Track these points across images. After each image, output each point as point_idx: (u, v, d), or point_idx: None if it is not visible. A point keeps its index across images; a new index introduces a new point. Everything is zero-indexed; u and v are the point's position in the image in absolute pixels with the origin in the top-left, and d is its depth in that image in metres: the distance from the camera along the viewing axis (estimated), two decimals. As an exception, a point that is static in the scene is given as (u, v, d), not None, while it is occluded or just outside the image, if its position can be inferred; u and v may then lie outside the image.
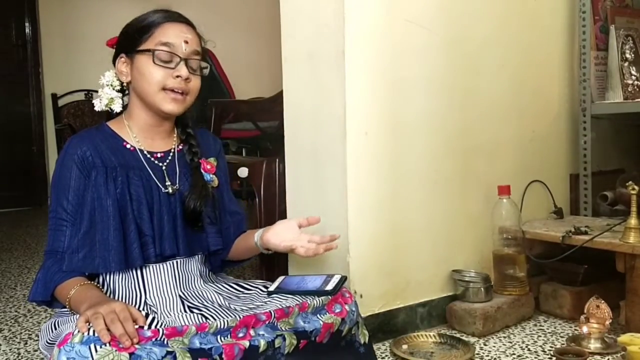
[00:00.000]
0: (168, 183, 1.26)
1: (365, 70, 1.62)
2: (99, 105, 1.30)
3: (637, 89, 2.06)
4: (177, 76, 1.22)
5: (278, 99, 2.03)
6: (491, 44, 1.91)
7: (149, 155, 1.26)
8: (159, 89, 1.22)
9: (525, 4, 2.00)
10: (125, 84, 1.29)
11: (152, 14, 1.26)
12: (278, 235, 1.34)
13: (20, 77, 4.72)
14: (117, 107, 1.29)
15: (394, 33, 1.67)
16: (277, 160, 1.98)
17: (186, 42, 1.23)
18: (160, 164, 1.27)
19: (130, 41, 1.25)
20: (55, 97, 4.67)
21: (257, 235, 1.37)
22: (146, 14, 1.26)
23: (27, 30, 4.73)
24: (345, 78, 1.59)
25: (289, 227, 1.35)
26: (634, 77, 2.05)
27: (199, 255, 1.31)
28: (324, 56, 1.66)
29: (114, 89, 1.29)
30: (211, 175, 1.33)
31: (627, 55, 2.06)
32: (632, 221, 1.65)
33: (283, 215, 1.89)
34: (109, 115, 1.31)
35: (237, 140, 3.64)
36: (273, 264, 2.02)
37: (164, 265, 1.23)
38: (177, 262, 1.24)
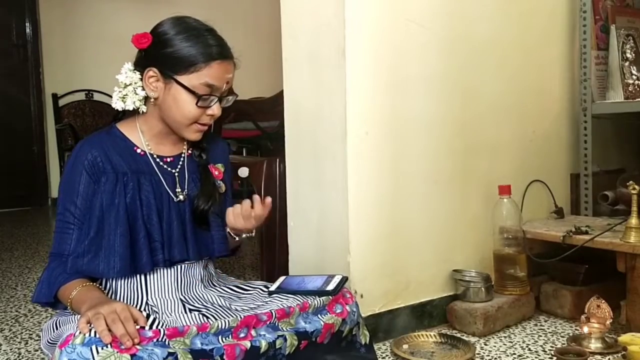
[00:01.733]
0: (178, 190, 1.25)
1: (366, 70, 1.62)
2: (121, 105, 1.21)
3: (638, 89, 2.05)
4: (210, 114, 1.22)
5: (278, 99, 2.03)
6: (491, 44, 1.90)
7: (159, 160, 1.26)
8: (190, 123, 1.22)
9: (526, 3, 2.00)
10: (152, 100, 1.22)
11: (198, 42, 1.18)
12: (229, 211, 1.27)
13: (20, 77, 4.71)
14: (144, 108, 1.23)
15: (395, 33, 1.67)
16: (278, 160, 1.98)
17: (227, 82, 1.22)
18: (171, 169, 1.26)
19: (169, 64, 1.18)
20: (55, 97, 4.67)
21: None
22: (193, 36, 1.18)
23: (27, 30, 4.72)
24: (346, 78, 1.59)
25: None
26: (634, 77, 2.05)
27: (203, 260, 1.30)
28: (324, 56, 1.66)
29: (138, 88, 1.21)
30: (219, 181, 1.32)
31: (628, 55, 2.05)
32: (633, 221, 1.65)
33: (284, 215, 1.89)
34: (116, 116, 1.29)
35: (237, 140, 3.64)
36: (274, 264, 2.03)
37: (168, 269, 1.23)
38: (180, 266, 1.24)
